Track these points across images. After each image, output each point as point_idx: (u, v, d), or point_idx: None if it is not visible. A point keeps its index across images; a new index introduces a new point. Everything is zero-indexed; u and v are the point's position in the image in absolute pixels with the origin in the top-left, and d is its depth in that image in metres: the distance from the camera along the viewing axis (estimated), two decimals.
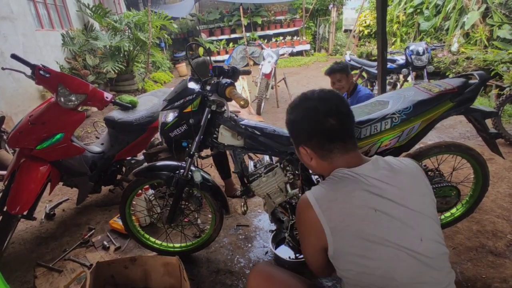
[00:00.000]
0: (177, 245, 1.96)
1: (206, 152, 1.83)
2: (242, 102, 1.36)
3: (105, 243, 2.10)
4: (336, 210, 0.87)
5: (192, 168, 1.62)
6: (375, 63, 3.88)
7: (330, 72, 2.69)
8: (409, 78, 4.10)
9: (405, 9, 7.54)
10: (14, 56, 2.03)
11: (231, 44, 10.77)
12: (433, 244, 0.86)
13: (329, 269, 0.98)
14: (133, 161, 2.66)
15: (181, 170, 1.62)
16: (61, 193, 2.86)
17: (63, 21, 6.52)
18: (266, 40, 10.45)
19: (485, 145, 1.77)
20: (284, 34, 11.02)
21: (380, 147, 1.45)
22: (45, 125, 2.00)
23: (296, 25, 11.11)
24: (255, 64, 9.35)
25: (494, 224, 2.00)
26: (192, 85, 1.62)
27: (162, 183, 1.79)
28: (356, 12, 9.62)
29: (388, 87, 4.13)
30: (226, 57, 10.23)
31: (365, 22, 9.20)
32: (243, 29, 9.86)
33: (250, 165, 1.73)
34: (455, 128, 3.68)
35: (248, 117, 2.56)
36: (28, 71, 2.03)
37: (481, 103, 4.25)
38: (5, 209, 1.91)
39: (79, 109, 2.16)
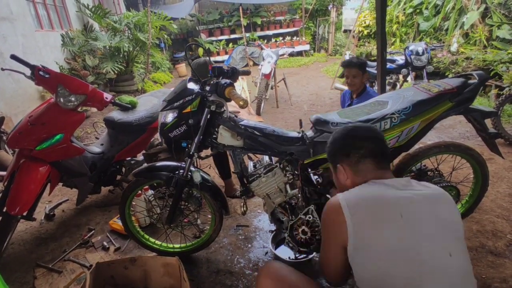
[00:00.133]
0: (177, 245, 1.95)
1: (206, 152, 1.83)
2: (241, 102, 1.36)
3: (105, 243, 2.10)
4: (364, 214, 0.93)
5: (192, 168, 1.62)
6: (375, 63, 3.86)
7: (348, 64, 2.43)
8: (409, 78, 4.10)
9: (404, 9, 7.54)
10: (13, 57, 2.03)
11: (230, 45, 10.78)
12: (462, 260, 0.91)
13: (345, 276, 1.02)
14: (132, 162, 2.66)
15: (181, 171, 1.62)
16: (60, 193, 2.85)
17: (63, 21, 6.51)
18: (265, 41, 10.45)
19: (485, 145, 1.77)
20: (283, 35, 11.03)
21: None
22: (44, 126, 2.00)
23: (295, 25, 11.12)
24: (255, 64, 9.33)
25: (493, 224, 2.00)
26: (191, 85, 1.62)
27: (162, 184, 1.79)
28: (355, 13, 9.60)
29: (387, 87, 4.12)
30: (225, 57, 10.21)
31: (365, 23, 9.20)
32: (243, 29, 9.85)
33: (250, 165, 1.73)
34: (454, 128, 3.68)
35: (248, 118, 2.55)
36: (28, 71, 2.03)
37: (481, 103, 4.25)
38: (4, 210, 1.91)
39: (79, 109, 2.16)
